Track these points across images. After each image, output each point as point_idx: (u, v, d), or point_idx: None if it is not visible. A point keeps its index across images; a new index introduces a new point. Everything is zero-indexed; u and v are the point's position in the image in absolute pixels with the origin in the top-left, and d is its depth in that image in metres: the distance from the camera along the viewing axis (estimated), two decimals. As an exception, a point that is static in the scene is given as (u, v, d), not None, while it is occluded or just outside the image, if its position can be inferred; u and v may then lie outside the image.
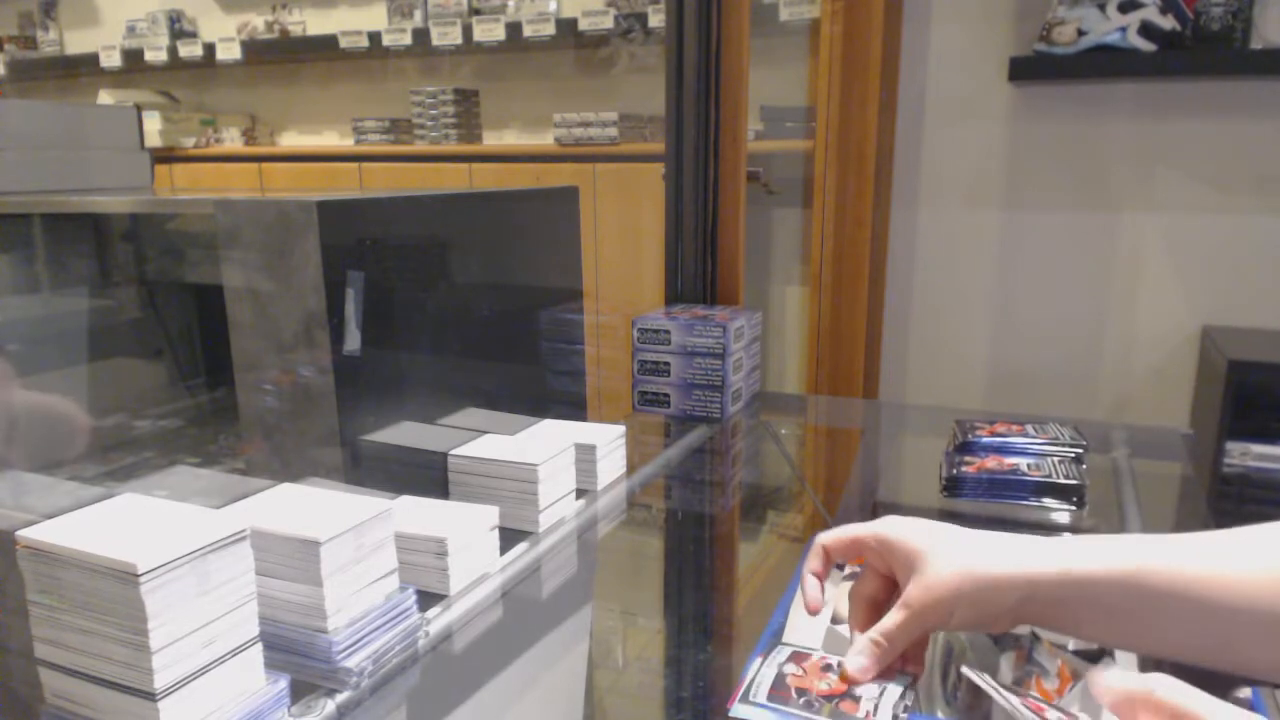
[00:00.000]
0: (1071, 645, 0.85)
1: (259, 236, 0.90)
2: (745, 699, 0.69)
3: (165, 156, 3.59)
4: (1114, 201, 2.23)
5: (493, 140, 3.32)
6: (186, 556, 0.58)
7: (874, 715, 0.66)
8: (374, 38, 3.23)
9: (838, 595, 0.95)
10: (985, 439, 1.22)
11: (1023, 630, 0.86)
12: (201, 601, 0.59)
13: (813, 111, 2.31)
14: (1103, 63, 2.07)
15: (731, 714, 0.69)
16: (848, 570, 1.01)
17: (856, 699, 0.68)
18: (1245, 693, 0.72)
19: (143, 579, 0.55)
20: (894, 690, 0.68)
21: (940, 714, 0.79)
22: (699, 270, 1.73)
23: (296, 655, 0.69)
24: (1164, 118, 2.16)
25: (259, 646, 0.64)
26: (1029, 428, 1.26)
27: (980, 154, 2.34)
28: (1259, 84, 2.06)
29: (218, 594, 0.60)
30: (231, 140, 3.69)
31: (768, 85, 2.59)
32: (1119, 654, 0.80)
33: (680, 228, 1.72)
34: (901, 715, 0.66)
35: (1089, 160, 2.24)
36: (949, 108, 2.35)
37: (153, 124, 3.56)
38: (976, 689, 0.65)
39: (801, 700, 0.68)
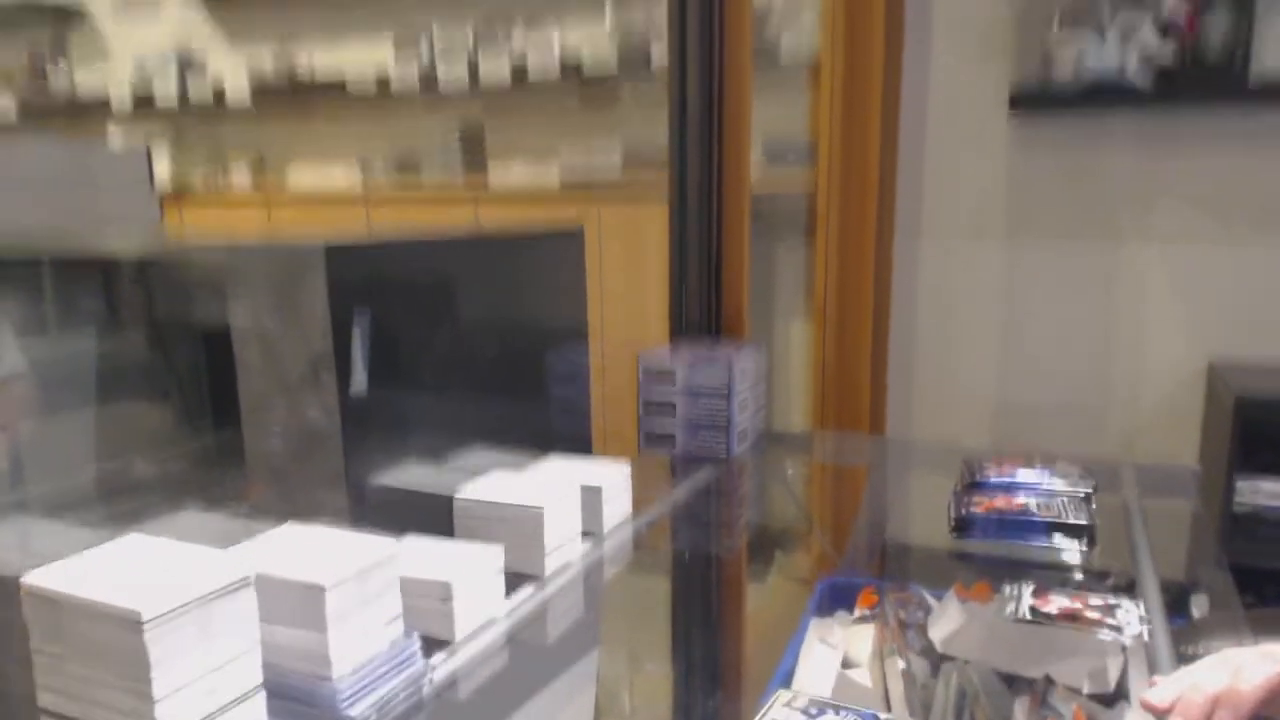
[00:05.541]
0: (1086, 690, 0.84)
1: (267, 279, 0.91)
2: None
3: (175, 196, 3.61)
4: (1117, 233, 2.24)
5: (498, 174, 3.34)
6: (190, 604, 0.57)
7: None
8: (381, 83, 3.29)
9: (848, 638, 0.94)
10: (993, 478, 1.21)
11: (1036, 675, 0.85)
12: (205, 648, 0.59)
13: (815, 146, 2.33)
14: (1103, 92, 2.09)
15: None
16: (858, 613, 1.00)
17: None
18: None
19: (146, 626, 0.55)
20: None
21: (953, 761, 0.78)
22: (703, 303, 1.73)
23: (300, 703, 0.68)
24: (1166, 148, 2.17)
25: (262, 694, 0.63)
26: (1037, 465, 1.25)
27: (982, 186, 2.35)
28: (1260, 116, 2.06)
29: (221, 641, 0.60)
30: (239, 177, 3.72)
31: (769, 120, 2.61)
32: (1133, 697, 0.79)
33: (684, 262, 1.73)
34: None
35: (1091, 191, 2.25)
36: (950, 140, 2.37)
37: (162, 163, 3.60)
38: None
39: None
